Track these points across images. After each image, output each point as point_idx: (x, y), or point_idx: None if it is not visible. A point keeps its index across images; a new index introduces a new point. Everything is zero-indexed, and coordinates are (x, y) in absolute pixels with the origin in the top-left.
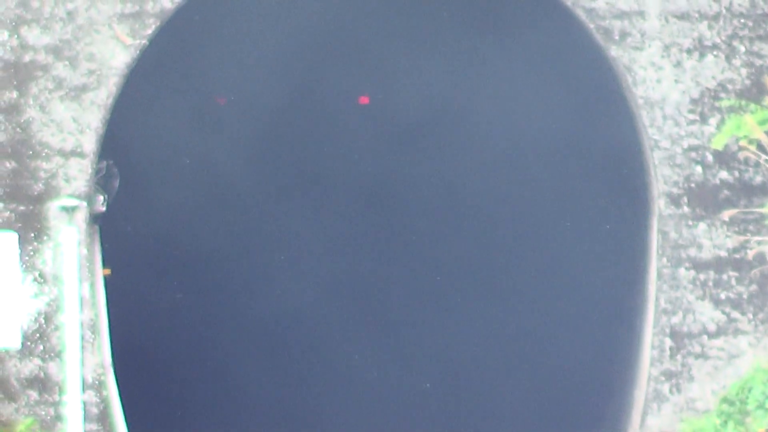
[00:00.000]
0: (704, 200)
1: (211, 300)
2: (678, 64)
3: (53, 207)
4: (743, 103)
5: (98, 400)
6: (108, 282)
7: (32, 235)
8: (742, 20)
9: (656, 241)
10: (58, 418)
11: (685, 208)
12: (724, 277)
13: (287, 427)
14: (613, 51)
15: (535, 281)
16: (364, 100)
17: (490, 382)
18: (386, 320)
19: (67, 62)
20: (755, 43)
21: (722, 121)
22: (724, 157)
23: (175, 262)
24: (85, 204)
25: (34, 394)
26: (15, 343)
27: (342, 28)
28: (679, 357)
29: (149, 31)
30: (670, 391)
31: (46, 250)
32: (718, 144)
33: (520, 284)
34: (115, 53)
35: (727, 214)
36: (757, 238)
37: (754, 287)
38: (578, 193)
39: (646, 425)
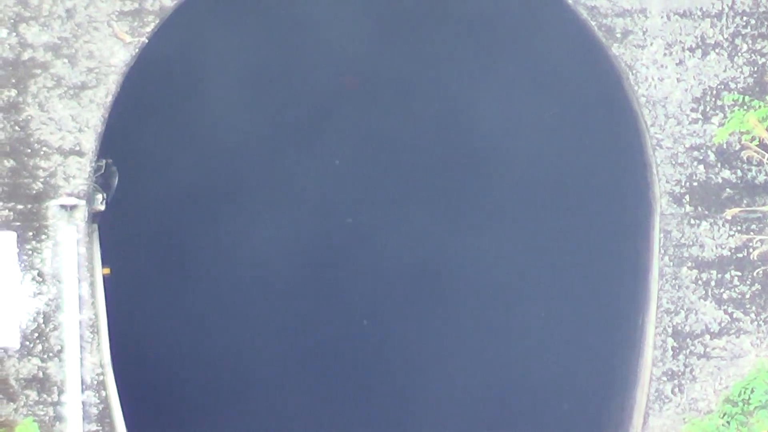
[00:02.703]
0: (707, 199)
1: (211, 299)
2: (680, 63)
3: (52, 206)
4: (746, 98)
5: (98, 400)
6: (107, 281)
7: (31, 234)
8: (745, 18)
9: (658, 240)
10: (57, 418)
11: (688, 207)
12: (727, 276)
13: (287, 427)
14: (615, 49)
15: (537, 280)
16: (352, 84)
17: (492, 382)
18: (384, 320)
19: (66, 60)
20: (758, 41)
21: (725, 120)
22: (727, 156)
23: (175, 261)
24: (84, 203)
25: (33, 394)
26: (14, 343)
27: (339, 24)
28: (681, 357)
29: (149, 29)
30: (673, 392)
31: (45, 249)
32: (719, 138)
33: (522, 283)
34: (115, 51)
35: (729, 213)
36: (759, 237)
37: (756, 287)
38: (580, 192)
39: (648, 426)
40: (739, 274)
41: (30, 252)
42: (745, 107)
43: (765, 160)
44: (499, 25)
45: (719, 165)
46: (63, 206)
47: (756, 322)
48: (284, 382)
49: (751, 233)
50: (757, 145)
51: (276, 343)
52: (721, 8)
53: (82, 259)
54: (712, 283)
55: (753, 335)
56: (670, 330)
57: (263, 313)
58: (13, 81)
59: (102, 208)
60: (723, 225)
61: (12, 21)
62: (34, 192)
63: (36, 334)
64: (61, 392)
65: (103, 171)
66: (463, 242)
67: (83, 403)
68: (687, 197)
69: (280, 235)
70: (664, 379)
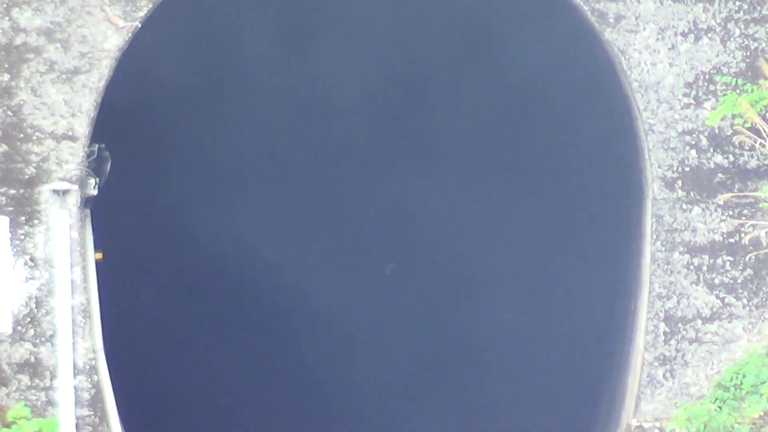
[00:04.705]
0: (699, 184)
1: (203, 284)
2: (673, 48)
3: (45, 191)
4: (740, 81)
5: (89, 385)
6: (100, 266)
7: (23, 218)
8: (737, 3)
9: (650, 225)
10: (49, 403)
11: (680, 192)
12: (719, 261)
13: (279, 417)
14: (608, 34)
15: (528, 266)
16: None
17: (482, 368)
18: (384, 318)
19: (59, 45)
20: (750, 25)
21: (717, 104)
22: (719, 141)
23: (168, 246)
24: (76, 188)
25: (25, 379)
26: (6, 328)
27: (339, 6)
28: (673, 342)
29: (142, 14)
30: (665, 377)
31: (38, 234)
32: (712, 121)
33: (513, 269)
34: (108, 36)
35: (721, 198)
36: (751, 222)
37: (748, 272)
38: (572, 177)
39: (640, 411)
40: (731, 259)
41: (22, 237)
42: (738, 91)
43: (757, 145)
44: (490, 10)
45: (711, 150)
46: (55, 191)
47: (748, 307)
48: (277, 371)
49: (743, 218)
50: (748, 129)
51: (269, 330)
52: None
53: (75, 244)
54: (704, 268)
55: (745, 320)
56: (662, 315)
57: (257, 299)
58: (6, 66)
59: (95, 193)
60: (715, 210)
61: (5, 5)
62: (27, 177)
63: (28, 319)
64: (53, 377)
65: (95, 156)
66: (450, 226)
67: (75, 387)
68: (679, 182)
69: (278, 219)
70: (656, 364)
